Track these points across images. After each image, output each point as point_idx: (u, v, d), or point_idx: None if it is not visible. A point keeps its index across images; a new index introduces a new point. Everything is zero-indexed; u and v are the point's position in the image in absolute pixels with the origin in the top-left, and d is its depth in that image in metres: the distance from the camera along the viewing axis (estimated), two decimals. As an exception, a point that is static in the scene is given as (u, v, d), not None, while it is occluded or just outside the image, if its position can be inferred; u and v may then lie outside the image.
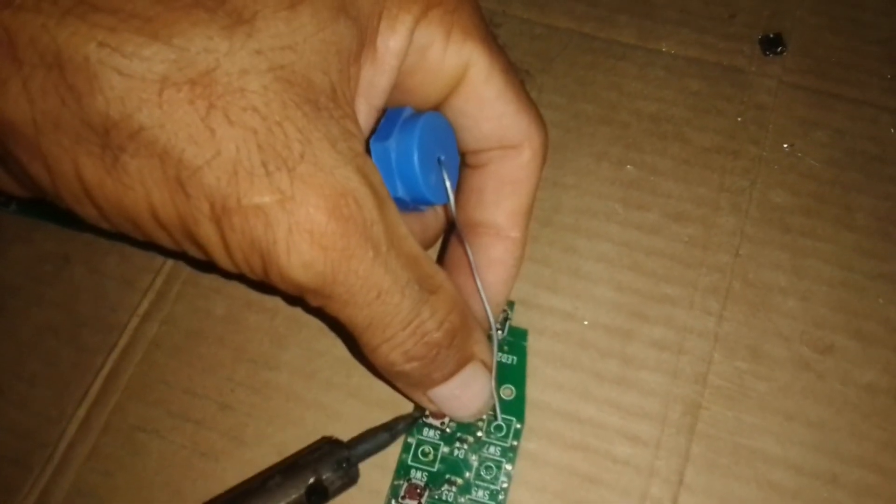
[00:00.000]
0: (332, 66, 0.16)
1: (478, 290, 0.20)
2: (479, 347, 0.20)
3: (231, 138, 0.15)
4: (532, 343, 0.24)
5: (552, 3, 0.30)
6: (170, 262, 0.27)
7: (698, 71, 0.28)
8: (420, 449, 0.23)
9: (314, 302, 0.17)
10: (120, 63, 0.14)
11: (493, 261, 0.21)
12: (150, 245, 0.26)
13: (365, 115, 0.18)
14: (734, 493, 0.22)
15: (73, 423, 0.25)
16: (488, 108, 0.20)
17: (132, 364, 0.26)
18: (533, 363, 0.24)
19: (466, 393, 0.21)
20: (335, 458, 0.21)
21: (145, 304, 0.26)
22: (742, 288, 0.25)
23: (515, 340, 0.24)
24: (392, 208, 0.17)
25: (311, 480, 0.21)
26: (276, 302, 0.26)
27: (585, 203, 0.26)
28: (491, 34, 0.20)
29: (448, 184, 0.19)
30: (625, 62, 0.29)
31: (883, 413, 0.23)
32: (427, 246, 0.24)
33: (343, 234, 0.16)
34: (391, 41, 0.17)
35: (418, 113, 0.19)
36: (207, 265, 0.17)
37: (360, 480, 0.23)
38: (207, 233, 0.16)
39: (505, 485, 0.22)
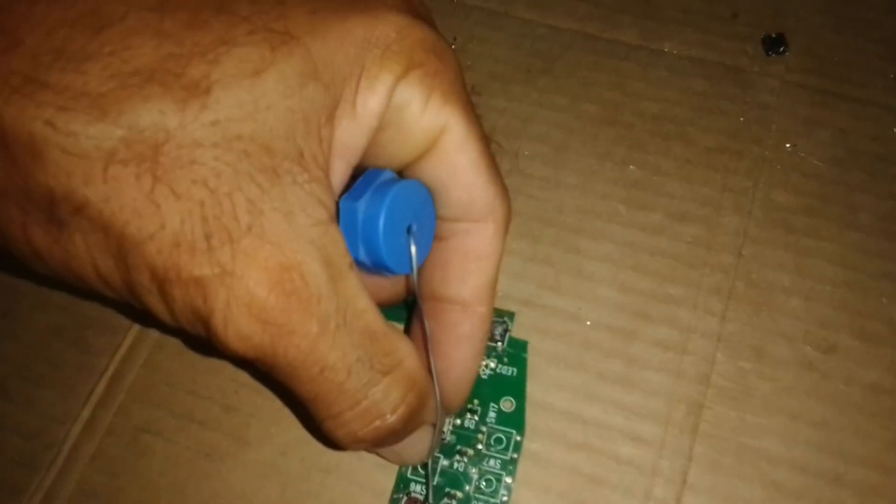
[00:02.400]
0: (299, 131, 0.16)
1: (434, 370, 0.19)
2: (431, 415, 0.20)
3: (176, 212, 0.14)
4: (535, 344, 0.24)
5: (555, 3, 0.30)
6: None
7: (701, 71, 0.28)
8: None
9: (261, 368, 0.17)
10: (65, 142, 0.14)
11: (462, 337, 0.21)
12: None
13: (341, 174, 0.17)
14: (738, 493, 0.22)
15: (78, 424, 0.25)
16: (461, 175, 0.19)
17: (136, 366, 0.26)
18: (536, 364, 0.24)
19: (408, 451, 0.21)
20: None
21: (149, 306, 0.26)
22: (745, 288, 0.25)
23: (515, 352, 0.24)
24: (351, 280, 0.16)
25: None
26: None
27: (588, 203, 0.26)
28: (470, 102, 0.19)
29: (414, 256, 0.18)
30: (628, 62, 0.29)
31: (887, 412, 0.23)
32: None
33: (284, 310, 0.15)
34: (370, 101, 0.17)
35: (398, 178, 0.18)
36: None
37: (363, 480, 0.23)
38: (153, 300, 0.16)
39: (505, 498, 0.22)
